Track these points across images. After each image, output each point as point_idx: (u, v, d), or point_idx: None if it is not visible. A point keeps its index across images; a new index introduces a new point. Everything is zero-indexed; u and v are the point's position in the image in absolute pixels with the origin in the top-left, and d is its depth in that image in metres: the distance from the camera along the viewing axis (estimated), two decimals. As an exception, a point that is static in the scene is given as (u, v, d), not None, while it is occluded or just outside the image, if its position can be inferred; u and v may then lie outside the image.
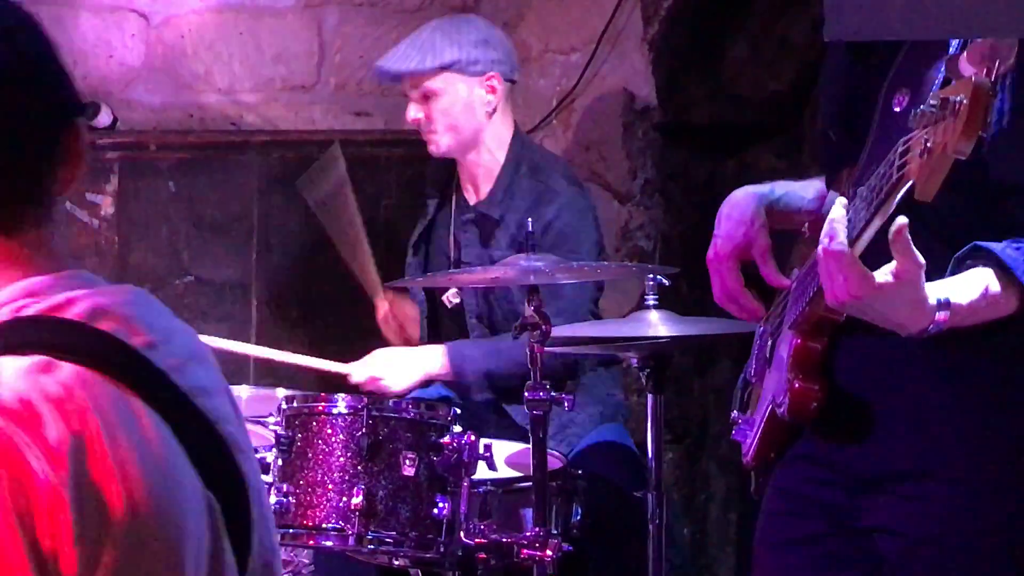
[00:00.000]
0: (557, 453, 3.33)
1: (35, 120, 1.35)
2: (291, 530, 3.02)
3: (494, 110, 3.71)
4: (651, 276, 3.26)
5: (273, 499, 3.00)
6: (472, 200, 3.83)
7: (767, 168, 4.22)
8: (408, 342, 3.91)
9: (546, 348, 3.08)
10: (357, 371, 3.64)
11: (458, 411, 3.19)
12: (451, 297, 3.83)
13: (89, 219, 4.17)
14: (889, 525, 2.08)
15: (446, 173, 3.88)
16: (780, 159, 4.33)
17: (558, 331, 3.19)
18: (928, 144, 1.73)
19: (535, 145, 3.99)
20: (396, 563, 3.17)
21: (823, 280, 1.92)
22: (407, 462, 3.04)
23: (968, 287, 1.91)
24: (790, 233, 2.35)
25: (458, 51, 3.66)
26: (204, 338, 3.61)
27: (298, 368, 3.79)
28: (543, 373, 3.01)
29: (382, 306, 3.95)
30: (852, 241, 1.87)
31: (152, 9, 4.31)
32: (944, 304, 1.88)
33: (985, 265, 1.92)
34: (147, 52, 4.32)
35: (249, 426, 3.12)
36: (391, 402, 3.16)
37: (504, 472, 3.25)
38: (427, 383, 3.72)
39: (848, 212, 1.89)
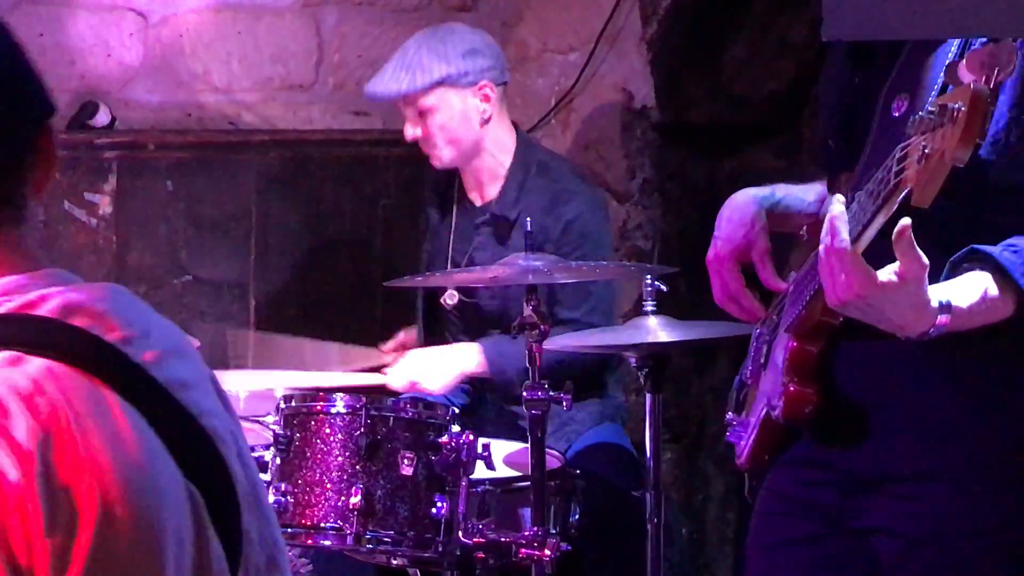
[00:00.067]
0: (556, 452, 3.33)
1: (6, 122, 1.35)
2: (289, 529, 3.02)
3: (490, 117, 3.71)
4: (649, 281, 3.26)
5: (271, 498, 3.00)
6: (478, 202, 3.83)
7: (766, 168, 4.22)
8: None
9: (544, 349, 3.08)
10: (394, 376, 3.63)
11: (456, 410, 3.19)
12: (448, 299, 3.83)
13: (87, 218, 4.17)
14: (887, 526, 2.08)
15: (446, 175, 3.88)
16: (779, 159, 4.33)
17: (553, 342, 3.19)
18: (926, 150, 1.73)
19: (538, 144, 4.00)
20: (394, 562, 3.17)
21: (824, 279, 1.91)
22: (405, 461, 3.04)
23: (968, 290, 1.90)
24: (788, 236, 2.35)
25: (447, 65, 3.65)
26: (274, 375, 3.59)
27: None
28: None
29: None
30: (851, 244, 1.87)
31: (150, 8, 4.31)
32: (946, 307, 1.88)
33: (982, 268, 1.92)
34: (145, 51, 4.32)
35: (247, 425, 3.14)
36: (389, 401, 3.16)
37: (502, 471, 3.25)
38: (464, 382, 3.72)
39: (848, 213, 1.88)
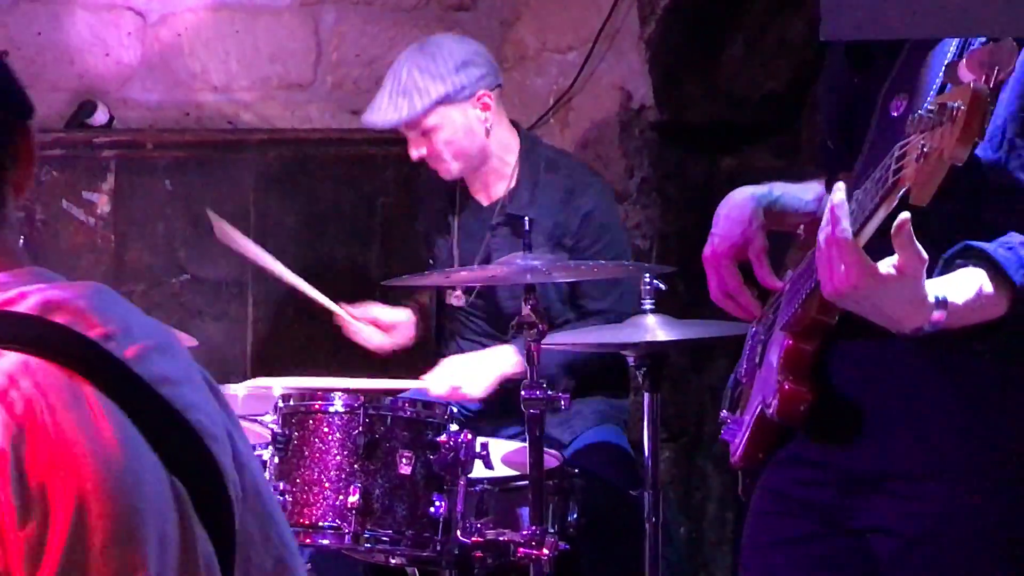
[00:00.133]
0: (554, 452, 3.33)
1: None
2: (287, 528, 3.02)
3: (493, 123, 3.72)
4: (648, 280, 3.26)
5: (270, 497, 3.00)
6: (485, 202, 3.83)
7: (764, 167, 4.22)
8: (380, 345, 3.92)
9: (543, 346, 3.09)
10: (435, 383, 3.63)
11: (455, 410, 3.19)
12: (453, 300, 3.83)
13: (85, 217, 4.17)
14: (884, 525, 2.08)
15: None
16: (777, 158, 4.33)
17: (553, 338, 3.21)
18: (925, 149, 1.72)
19: (540, 140, 4.01)
20: (393, 562, 3.17)
21: (821, 269, 1.89)
22: (404, 460, 3.04)
23: (963, 287, 1.90)
24: (784, 235, 2.35)
25: (443, 84, 3.64)
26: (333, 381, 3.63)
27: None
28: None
29: (346, 320, 3.90)
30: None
31: (149, 7, 4.31)
32: (942, 303, 1.87)
33: (977, 265, 1.92)
34: (144, 50, 4.32)
35: (245, 424, 3.14)
36: (388, 400, 3.16)
37: (501, 471, 3.25)
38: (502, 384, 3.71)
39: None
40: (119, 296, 1.40)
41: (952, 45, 1.98)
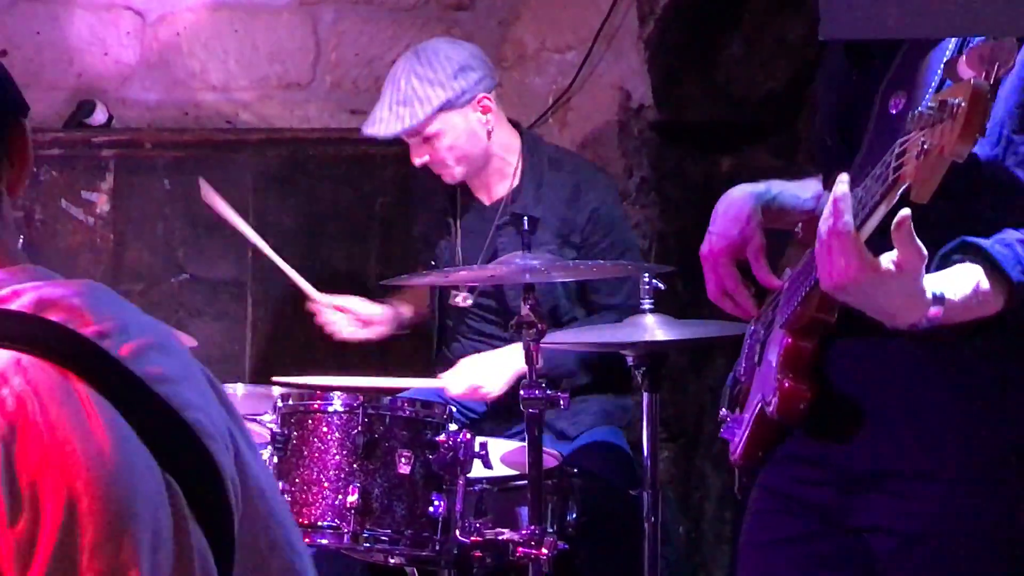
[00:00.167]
0: (553, 451, 3.33)
1: None
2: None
3: (494, 125, 3.73)
4: (647, 280, 3.27)
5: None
6: (487, 202, 3.83)
7: (763, 167, 4.22)
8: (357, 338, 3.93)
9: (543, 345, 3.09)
10: (453, 383, 3.64)
11: (453, 409, 3.19)
12: (460, 301, 3.83)
13: (84, 217, 4.17)
14: (882, 524, 2.08)
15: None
16: (776, 158, 4.33)
17: (554, 337, 3.21)
18: (925, 146, 1.72)
19: (541, 138, 4.01)
20: (392, 561, 3.17)
21: (820, 261, 1.88)
22: (403, 460, 3.04)
23: (960, 283, 1.90)
24: (782, 233, 2.35)
25: (443, 90, 3.65)
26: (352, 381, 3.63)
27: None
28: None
29: (321, 308, 3.90)
30: None
31: (147, 7, 4.31)
32: (939, 299, 1.87)
33: (974, 261, 1.92)
34: (142, 50, 4.32)
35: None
36: (387, 400, 3.16)
37: (499, 470, 3.25)
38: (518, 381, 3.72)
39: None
40: (116, 294, 1.39)
41: (951, 43, 1.98)
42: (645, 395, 3.23)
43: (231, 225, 3.88)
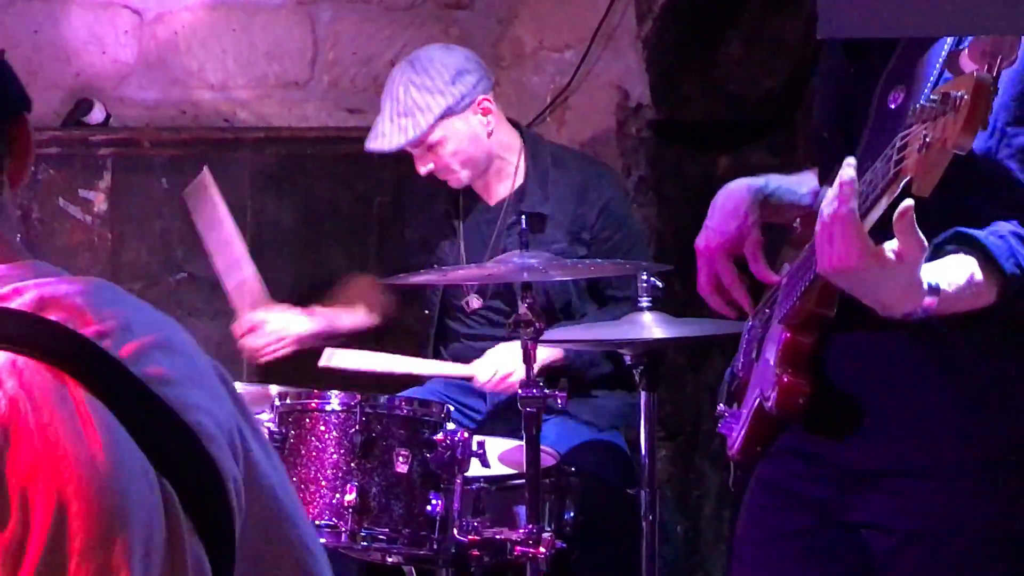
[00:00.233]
0: (551, 450, 3.33)
1: None
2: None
3: (494, 126, 3.73)
4: (645, 278, 3.27)
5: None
6: (490, 202, 3.83)
7: (761, 166, 4.22)
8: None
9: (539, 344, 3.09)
10: (482, 370, 3.63)
11: (451, 408, 3.19)
12: (472, 302, 3.82)
13: (82, 215, 4.17)
14: (879, 521, 2.08)
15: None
16: (774, 157, 4.34)
17: (553, 334, 3.21)
18: (927, 139, 1.72)
19: (541, 137, 4.02)
20: (389, 560, 3.17)
21: (821, 244, 1.87)
22: (400, 459, 3.04)
23: (955, 274, 1.89)
24: (778, 228, 2.34)
25: (442, 98, 3.65)
26: (356, 355, 3.63)
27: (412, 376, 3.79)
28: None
29: (254, 319, 3.84)
30: None
31: (145, 5, 4.31)
32: (934, 289, 1.87)
33: (968, 253, 1.91)
34: (140, 48, 4.32)
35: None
36: (384, 399, 3.16)
37: (497, 469, 3.25)
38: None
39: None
40: (121, 291, 1.38)
41: (949, 38, 1.98)
42: (643, 394, 3.24)
43: (209, 222, 3.83)
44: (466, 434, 3.06)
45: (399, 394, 3.57)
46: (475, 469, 3.09)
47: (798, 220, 2.29)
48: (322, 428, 3.09)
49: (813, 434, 2.14)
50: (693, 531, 4.40)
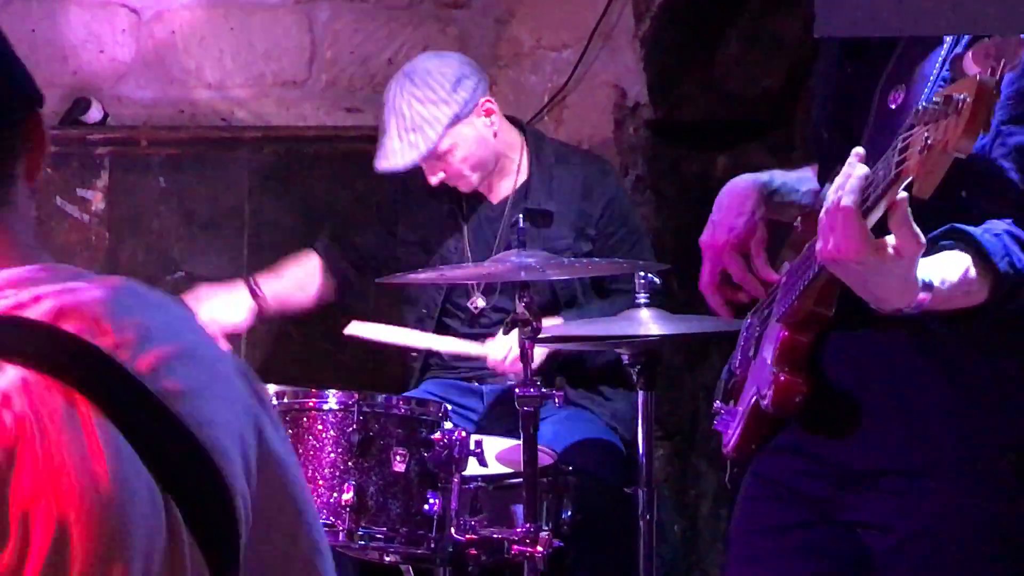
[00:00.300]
0: (548, 449, 3.33)
1: None
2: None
3: (498, 126, 3.74)
4: (643, 274, 3.27)
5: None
6: (493, 200, 3.84)
7: (759, 165, 4.20)
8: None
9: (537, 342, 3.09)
10: (495, 349, 3.63)
11: (448, 407, 3.19)
12: (477, 302, 3.82)
13: (80, 214, 4.17)
14: (877, 520, 2.08)
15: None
16: (772, 156, 4.33)
17: (551, 330, 3.21)
18: (929, 141, 1.71)
19: (542, 133, 4.03)
20: (387, 559, 3.17)
21: (824, 231, 1.87)
22: (398, 458, 3.04)
23: (950, 270, 1.89)
24: (779, 226, 2.34)
25: (447, 107, 3.65)
26: (377, 328, 3.59)
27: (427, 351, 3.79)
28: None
29: None
30: None
31: (143, 4, 4.31)
32: (928, 285, 1.87)
33: (964, 250, 1.91)
34: (138, 47, 4.32)
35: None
36: (382, 398, 3.16)
37: (495, 468, 3.25)
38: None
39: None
40: (145, 292, 1.36)
41: (949, 38, 1.98)
42: (640, 393, 3.24)
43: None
44: (463, 433, 3.06)
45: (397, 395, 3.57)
46: (472, 468, 3.09)
47: (798, 219, 2.29)
48: (319, 427, 3.09)
49: (810, 433, 2.14)
50: (690, 530, 4.40)
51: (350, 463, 3.04)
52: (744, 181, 2.34)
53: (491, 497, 3.13)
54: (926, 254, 1.89)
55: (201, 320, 1.41)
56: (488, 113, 3.73)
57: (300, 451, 3.07)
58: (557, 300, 3.74)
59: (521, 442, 3.06)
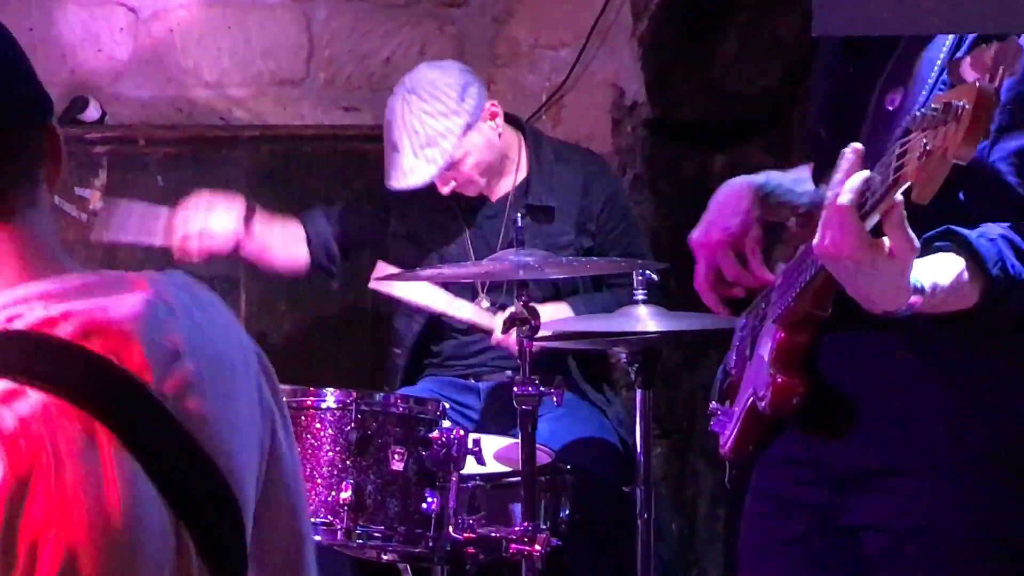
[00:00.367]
0: (546, 448, 3.33)
1: (17, 112, 1.34)
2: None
3: (503, 128, 3.76)
4: (640, 272, 3.27)
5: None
6: (492, 197, 3.84)
7: (756, 164, 4.21)
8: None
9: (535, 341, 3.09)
10: (500, 325, 3.64)
11: (446, 406, 3.19)
12: (482, 302, 3.82)
13: (78, 213, 4.17)
14: (874, 521, 2.08)
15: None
16: (769, 155, 4.34)
17: (551, 326, 3.21)
18: (927, 147, 1.71)
19: (541, 131, 4.03)
20: (385, 558, 3.17)
21: (822, 227, 1.86)
22: (396, 457, 3.04)
23: (943, 274, 1.89)
24: (774, 227, 2.34)
25: (458, 117, 3.66)
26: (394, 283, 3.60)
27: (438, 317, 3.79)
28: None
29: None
30: None
31: (141, 3, 4.31)
32: (919, 290, 1.87)
33: (958, 253, 1.91)
34: (136, 46, 4.32)
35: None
36: (380, 397, 3.16)
37: (493, 467, 3.25)
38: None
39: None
40: (180, 300, 1.34)
41: (948, 39, 1.98)
42: (638, 392, 3.24)
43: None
44: (461, 432, 3.07)
45: (394, 392, 3.57)
46: (471, 467, 3.09)
47: (793, 220, 2.29)
48: (318, 426, 3.09)
49: (809, 434, 2.14)
50: (688, 529, 4.40)
51: (348, 462, 3.04)
52: (739, 182, 2.34)
53: (489, 496, 3.13)
54: (921, 255, 1.89)
55: (230, 317, 1.40)
56: (493, 116, 3.75)
57: (298, 450, 3.07)
58: (559, 293, 3.77)
59: (519, 441, 3.06)
